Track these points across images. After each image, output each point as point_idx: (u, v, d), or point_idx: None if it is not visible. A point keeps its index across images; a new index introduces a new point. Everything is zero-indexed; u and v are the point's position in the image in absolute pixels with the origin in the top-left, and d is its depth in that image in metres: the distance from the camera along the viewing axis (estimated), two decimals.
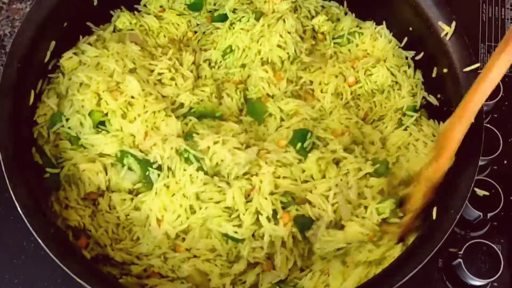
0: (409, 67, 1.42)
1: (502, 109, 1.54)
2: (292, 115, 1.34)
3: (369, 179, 1.24)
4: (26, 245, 1.35)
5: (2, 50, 1.59)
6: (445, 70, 1.30)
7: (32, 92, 1.26)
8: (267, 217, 1.17)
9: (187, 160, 1.20)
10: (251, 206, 1.17)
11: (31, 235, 1.06)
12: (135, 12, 1.48)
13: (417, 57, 1.41)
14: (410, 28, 1.40)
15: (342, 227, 1.20)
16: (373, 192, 1.22)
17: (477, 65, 1.23)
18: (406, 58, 1.43)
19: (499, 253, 1.29)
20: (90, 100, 1.24)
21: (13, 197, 1.08)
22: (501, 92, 1.47)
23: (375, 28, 1.47)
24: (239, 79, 1.42)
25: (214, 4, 1.51)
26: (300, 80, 1.41)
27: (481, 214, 1.35)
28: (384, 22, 1.46)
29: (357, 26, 1.48)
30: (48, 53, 1.31)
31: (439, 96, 1.36)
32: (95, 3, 1.41)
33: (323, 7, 1.52)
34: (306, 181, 1.24)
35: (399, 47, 1.45)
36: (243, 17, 1.43)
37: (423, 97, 1.40)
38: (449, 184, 1.18)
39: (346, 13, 1.52)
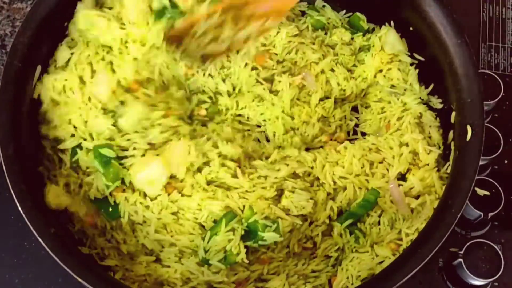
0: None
1: (502, 109, 1.54)
2: None
3: None
4: (26, 244, 1.35)
5: (3, 50, 1.59)
6: (445, 71, 1.30)
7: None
8: None
9: None
10: None
11: (32, 234, 1.06)
12: None
13: (418, 57, 1.42)
14: (411, 28, 1.40)
15: None
16: None
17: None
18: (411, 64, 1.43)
19: (500, 252, 1.29)
20: None
21: (14, 197, 1.09)
22: (501, 92, 1.47)
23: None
24: None
25: None
26: None
27: (481, 213, 1.35)
28: (392, 23, 1.45)
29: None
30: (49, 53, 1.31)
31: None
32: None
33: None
34: None
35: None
36: None
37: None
38: (450, 184, 1.18)
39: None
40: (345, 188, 1.28)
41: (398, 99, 1.39)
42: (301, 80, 1.38)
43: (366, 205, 1.26)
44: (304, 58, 1.40)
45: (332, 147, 1.34)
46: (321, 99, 1.40)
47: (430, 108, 1.39)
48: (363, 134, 1.42)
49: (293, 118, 1.37)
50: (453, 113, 1.27)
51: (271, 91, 1.37)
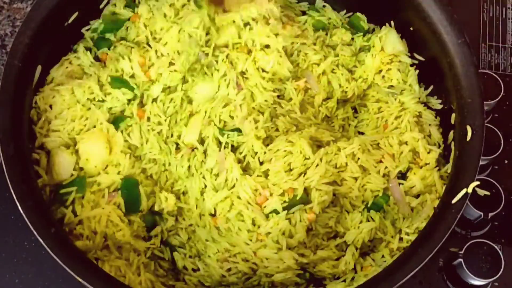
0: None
1: (503, 109, 1.54)
2: None
3: None
4: (27, 244, 1.35)
5: (3, 50, 1.59)
6: (446, 71, 1.30)
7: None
8: None
9: None
10: None
11: (32, 234, 1.06)
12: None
13: (418, 57, 1.42)
14: (411, 28, 1.40)
15: None
16: None
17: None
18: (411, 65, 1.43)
19: (500, 252, 1.29)
20: None
21: (14, 196, 1.09)
22: (502, 92, 1.47)
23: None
24: None
25: None
26: None
27: (482, 213, 1.35)
28: (392, 23, 1.45)
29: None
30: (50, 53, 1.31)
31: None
32: (101, 6, 1.42)
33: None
34: None
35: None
36: None
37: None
38: (450, 184, 1.18)
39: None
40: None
41: (395, 99, 1.38)
42: (305, 83, 1.39)
43: (375, 208, 1.26)
44: (306, 60, 1.41)
45: (334, 145, 1.34)
46: (323, 100, 1.41)
47: (429, 108, 1.39)
48: (361, 134, 1.42)
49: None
50: (453, 115, 1.27)
51: (278, 96, 1.38)
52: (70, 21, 1.35)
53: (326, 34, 1.48)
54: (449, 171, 1.25)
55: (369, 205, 1.26)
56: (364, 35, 1.47)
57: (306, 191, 1.23)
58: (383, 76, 1.42)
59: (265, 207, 1.21)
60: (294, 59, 1.41)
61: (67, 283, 1.31)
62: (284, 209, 1.20)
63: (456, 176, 1.17)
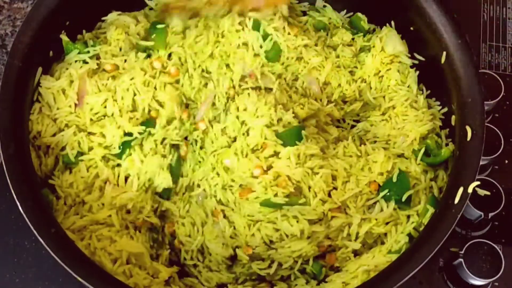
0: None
1: (503, 109, 1.54)
2: None
3: None
4: (27, 244, 1.35)
5: (4, 50, 1.59)
6: (446, 71, 1.30)
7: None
8: None
9: None
10: None
11: (32, 234, 1.06)
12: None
13: (418, 57, 1.42)
14: (411, 28, 1.40)
15: None
16: None
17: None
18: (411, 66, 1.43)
19: (500, 252, 1.29)
20: None
21: (14, 196, 1.09)
22: (502, 92, 1.47)
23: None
24: None
25: None
26: None
27: (482, 213, 1.35)
28: (393, 23, 1.45)
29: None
30: (50, 53, 1.31)
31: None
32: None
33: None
34: None
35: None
36: None
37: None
38: (450, 184, 1.18)
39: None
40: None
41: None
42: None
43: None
44: (307, 66, 1.41)
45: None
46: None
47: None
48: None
49: None
50: (453, 117, 1.27)
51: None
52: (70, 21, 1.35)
53: (327, 35, 1.48)
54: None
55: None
56: (364, 35, 1.48)
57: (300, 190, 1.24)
58: (382, 77, 1.42)
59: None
60: (296, 67, 1.41)
61: (67, 283, 1.31)
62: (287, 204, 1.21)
63: (456, 176, 1.17)
